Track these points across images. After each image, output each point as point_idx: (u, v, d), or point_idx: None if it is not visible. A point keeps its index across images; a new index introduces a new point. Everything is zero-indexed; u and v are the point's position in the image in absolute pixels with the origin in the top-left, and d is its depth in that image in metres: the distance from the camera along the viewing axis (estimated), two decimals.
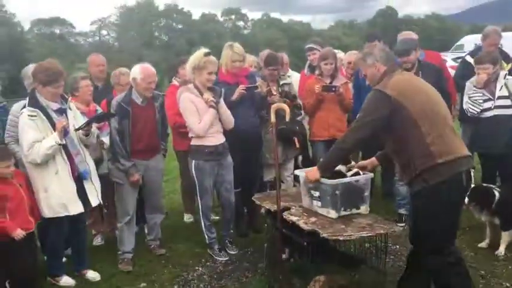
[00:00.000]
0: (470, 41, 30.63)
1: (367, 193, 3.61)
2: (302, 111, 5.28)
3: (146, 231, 4.92)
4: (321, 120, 5.18)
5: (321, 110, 5.16)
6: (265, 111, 4.87)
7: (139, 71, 4.31)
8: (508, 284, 3.83)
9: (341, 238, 3.12)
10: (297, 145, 4.96)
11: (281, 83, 5.11)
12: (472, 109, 4.84)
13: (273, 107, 3.82)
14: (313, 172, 3.53)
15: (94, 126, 4.12)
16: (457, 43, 33.60)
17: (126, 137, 4.31)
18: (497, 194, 4.30)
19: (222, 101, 4.39)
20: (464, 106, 4.99)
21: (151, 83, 4.34)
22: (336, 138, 5.10)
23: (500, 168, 5.10)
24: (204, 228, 4.51)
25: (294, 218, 3.50)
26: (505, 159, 4.97)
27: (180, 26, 58.22)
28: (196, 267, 4.38)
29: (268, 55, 5.15)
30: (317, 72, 5.31)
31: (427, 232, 3.16)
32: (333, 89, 4.98)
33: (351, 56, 5.96)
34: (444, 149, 3.08)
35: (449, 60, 21.12)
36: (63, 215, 3.90)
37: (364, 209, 3.58)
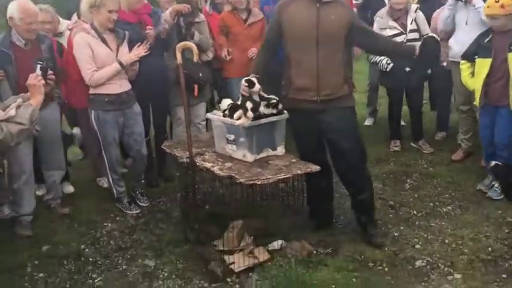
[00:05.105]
0: None
1: (283, 133, 3.48)
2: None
3: (45, 190, 4.43)
4: (236, 60, 4.87)
5: (235, 50, 4.86)
6: None
7: (17, 9, 3.67)
8: (415, 212, 4.02)
9: (258, 182, 3.00)
10: (195, 94, 4.51)
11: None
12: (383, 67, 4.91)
13: (178, 46, 3.47)
14: None
15: None
16: None
17: (12, 84, 3.73)
18: None
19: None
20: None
21: (31, 23, 3.72)
22: None
23: (409, 100, 5.30)
24: (112, 182, 4.18)
25: (208, 165, 3.31)
26: (414, 92, 5.16)
27: None
28: (105, 224, 4.06)
29: None
30: (229, 8, 4.95)
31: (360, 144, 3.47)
32: None
33: None
34: None
35: None
36: None
37: (280, 149, 3.47)
